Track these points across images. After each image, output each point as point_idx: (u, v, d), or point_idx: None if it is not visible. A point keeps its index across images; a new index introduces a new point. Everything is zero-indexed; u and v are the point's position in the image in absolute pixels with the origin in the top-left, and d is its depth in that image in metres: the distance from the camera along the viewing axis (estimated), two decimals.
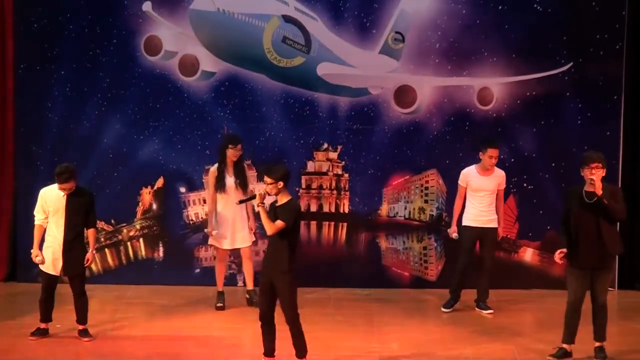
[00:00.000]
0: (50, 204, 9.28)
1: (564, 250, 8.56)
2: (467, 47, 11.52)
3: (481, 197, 10.36)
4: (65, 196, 9.26)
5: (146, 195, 11.80)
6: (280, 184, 8.17)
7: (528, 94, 11.54)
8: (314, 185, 11.80)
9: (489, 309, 10.49)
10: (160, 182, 11.75)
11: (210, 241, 10.72)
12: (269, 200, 8.45)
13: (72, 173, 9.25)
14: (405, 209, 11.82)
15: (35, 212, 9.38)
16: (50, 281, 9.35)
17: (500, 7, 11.46)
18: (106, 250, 11.81)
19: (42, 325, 9.46)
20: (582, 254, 8.46)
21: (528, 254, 11.68)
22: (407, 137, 11.65)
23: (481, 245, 10.50)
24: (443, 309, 10.56)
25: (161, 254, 11.82)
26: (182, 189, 11.75)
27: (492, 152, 10.26)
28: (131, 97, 11.62)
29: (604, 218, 8.40)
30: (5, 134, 11.75)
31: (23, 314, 10.16)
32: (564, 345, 8.75)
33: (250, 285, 10.71)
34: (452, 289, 10.60)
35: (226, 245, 10.59)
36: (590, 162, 8.40)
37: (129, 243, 11.82)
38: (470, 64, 11.54)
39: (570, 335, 8.72)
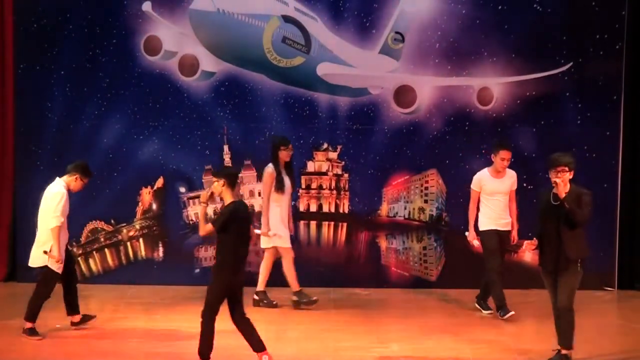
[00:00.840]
0: (67, 205, 9.34)
1: (535, 242, 8.41)
2: (467, 47, 11.53)
3: (497, 200, 10.16)
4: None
5: (146, 195, 11.80)
6: (222, 182, 8.02)
7: (528, 94, 11.55)
8: (314, 185, 11.81)
9: (490, 309, 10.42)
10: (160, 182, 11.75)
11: (267, 243, 10.55)
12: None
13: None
14: (405, 209, 11.83)
15: (61, 214, 9.26)
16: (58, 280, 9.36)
17: (500, 7, 11.47)
18: (106, 250, 11.82)
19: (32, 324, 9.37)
20: (545, 256, 8.34)
21: (528, 254, 11.66)
22: (406, 137, 11.66)
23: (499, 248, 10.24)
24: (502, 317, 10.12)
25: (161, 254, 11.83)
26: (182, 189, 11.75)
27: (504, 154, 10.06)
28: (131, 97, 11.63)
29: (566, 221, 8.20)
30: (5, 134, 11.75)
31: (23, 313, 10.15)
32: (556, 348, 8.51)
33: (296, 287, 10.62)
34: (495, 296, 10.19)
35: (285, 244, 10.54)
36: (557, 164, 8.17)
37: (128, 243, 11.83)
38: (470, 63, 11.55)
39: (569, 341, 8.42)
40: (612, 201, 11.56)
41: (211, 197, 8.29)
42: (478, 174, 10.22)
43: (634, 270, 11.76)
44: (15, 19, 11.58)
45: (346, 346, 9.17)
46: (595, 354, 9.02)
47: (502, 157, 10.05)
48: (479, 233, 10.25)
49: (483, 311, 10.45)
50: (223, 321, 10.14)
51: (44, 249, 9.23)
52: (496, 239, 10.12)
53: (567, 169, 8.17)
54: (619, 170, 11.55)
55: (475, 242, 10.33)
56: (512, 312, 10.07)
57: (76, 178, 9.46)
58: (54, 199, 9.27)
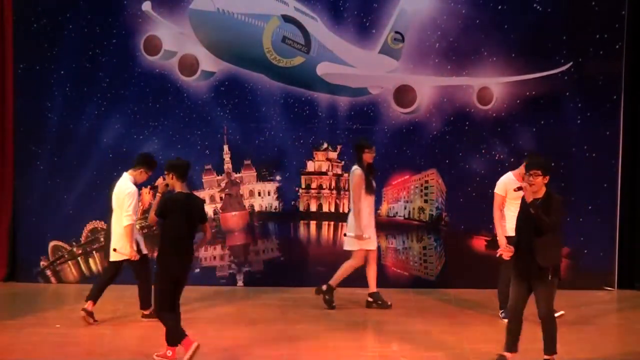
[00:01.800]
0: (138, 201, 9.71)
1: (511, 250, 8.26)
2: (467, 46, 11.53)
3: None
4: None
5: (146, 195, 11.67)
6: (171, 175, 8.38)
7: (528, 93, 11.55)
8: (314, 185, 11.81)
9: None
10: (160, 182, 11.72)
11: (354, 245, 10.48)
12: None
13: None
14: (405, 208, 11.83)
15: (133, 213, 9.61)
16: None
17: (500, 7, 11.47)
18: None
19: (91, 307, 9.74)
20: (517, 262, 8.16)
21: None
22: (406, 136, 11.66)
23: None
24: (502, 317, 9.88)
25: None
26: None
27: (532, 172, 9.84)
28: (131, 97, 11.63)
29: (535, 228, 8.04)
30: (5, 134, 11.75)
31: (23, 313, 10.16)
32: (505, 353, 8.46)
33: (373, 288, 10.61)
34: (501, 295, 9.87)
35: (374, 245, 10.53)
36: (529, 168, 8.02)
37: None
38: (469, 63, 11.55)
39: (511, 344, 8.42)
40: (612, 201, 11.56)
41: (166, 187, 8.58)
42: (503, 177, 9.88)
43: (634, 270, 11.76)
44: (15, 19, 11.59)
45: (346, 346, 9.17)
46: (595, 354, 9.03)
47: (529, 172, 9.75)
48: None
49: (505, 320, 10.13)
50: (223, 321, 10.17)
51: (115, 247, 9.65)
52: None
53: (540, 172, 7.98)
54: (619, 170, 11.55)
55: (505, 254, 9.73)
56: None
57: (141, 171, 9.77)
58: (126, 199, 9.56)
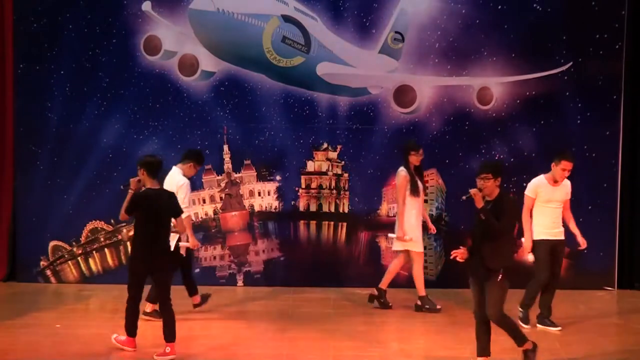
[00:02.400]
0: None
1: (463, 250, 8.16)
2: (467, 46, 11.53)
3: (553, 208, 9.69)
4: None
5: None
6: (142, 172, 8.60)
7: (528, 93, 11.55)
8: (314, 185, 11.80)
9: (556, 325, 9.77)
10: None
11: (400, 246, 10.49)
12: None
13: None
14: None
15: (189, 205, 9.80)
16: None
17: (499, 7, 11.46)
18: (106, 250, 11.81)
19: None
20: (472, 262, 8.13)
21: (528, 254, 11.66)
22: (406, 136, 11.62)
23: (551, 259, 9.73)
24: (520, 318, 9.76)
25: None
26: None
27: (566, 165, 9.58)
28: (131, 97, 11.62)
29: (484, 231, 8.01)
30: (5, 134, 11.75)
31: (23, 313, 10.16)
32: (478, 359, 8.46)
33: (422, 292, 10.57)
34: (528, 296, 9.86)
35: (419, 247, 10.50)
36: (480, 172, 7.99)
37: (128, 243, 11.78)
38: (469, 63, 11.55)
39: (482, 349, 8.41)
40: (612, 201, 11.56)
41: (139, 183, 8.70)
42: (535, 180, 9.76)
43: (634, 270, 11.76)
44: (15, 19, 11.58)
45: (346, 346, 9.17)
46: (595, 353, 9.03)
47: (563, 167, 9.59)
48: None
49: (550, 328, 9.75)
50: (222, 321, 10.17)
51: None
52: (548, 250, 9.64)
53: (490, 176, 7.96)
54: (619, 170, 11.55)
55: (530, 257, 9.81)
56: (528, 327, 9.67)
57: (190, 165, 9.94)
58: (180, 192, 9.62)
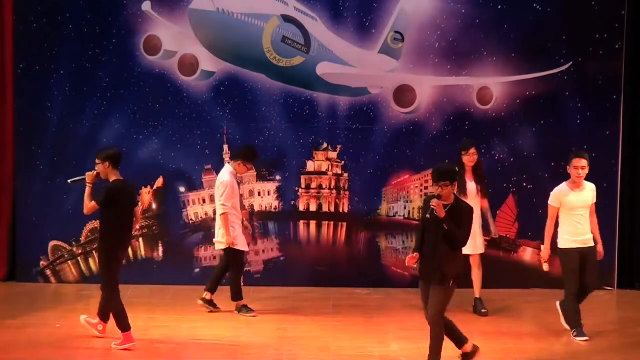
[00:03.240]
0: (235, 190, 10.08)
1: (416, 256, 8.13)
2: (467, 46, 11.53)
3: (578, 215, 9.34)
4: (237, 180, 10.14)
5: (146, 195, 11.80)
6: (107, 164, 8.75)
7: (527, 93, 11.55)
8: (314, 185, 11.80)
9: (586, 335, 9.38)
10: (159, 182, 11.75)
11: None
12: None
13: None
14: (405, 208, 11.83)
15: (225, 202, 10.00)
16: (244, 258, 10.46)
17: (499, 7, 11.46)
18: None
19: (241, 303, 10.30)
20: (421, 264, 8.10)
21: (528, 254, 11.68)
22: (406, 136, 11.66)
23: (582, 268, 9.34)
24: (578, 339, 9.37)
25: (161, 253, 11.83)
26: (182, 189, 11.75)
27: (577, 162, 9.32)
28: (131, 97, 11.62)
29: (444, 239, 7.93)
30: (5, 134, 11.75)
31: (23, 313, 10.16)
32: (461, 350, 8.37)
33: (477, 294, 10.50)
34: (568, 317, 9.50)
35: (469, 250, 10.18)
36: (440, 178, 7.93)
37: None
38: (469, 63, 11.55)
39: (459, 340, 8.32)
40: (612, 201, 11.55)
41: (97, 177, 8.85)
42: (556, 189, 9.46)
43: (634, 270, 11.76)
44: (15, 19, 11.58)
45: (346, 346, 9.17)
46: (595, 353, 9.03)
47: (575, 165, 9.33)
48: (556, 251, 9.51)
49: (578, 339, 9.39)
50: (222, 321, 10.17)
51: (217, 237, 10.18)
52: (577, 259, 9.30)
53: (448, 182, 7.93)
54: (619, 170, 11.56)
55: (545, 266, 9.62)
56: (585, 339, 9.33)
57: (239, 163, 10.12)
58: (219, 189, 10.01)
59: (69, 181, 9.21)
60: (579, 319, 9.34)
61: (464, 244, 8.03)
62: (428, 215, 7.98)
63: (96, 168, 8.84)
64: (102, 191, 8.77)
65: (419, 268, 8.18)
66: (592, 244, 9.37)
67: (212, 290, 10.38)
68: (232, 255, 10.20)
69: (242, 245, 10.24)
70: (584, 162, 9.32)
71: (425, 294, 8.14)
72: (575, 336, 9.31)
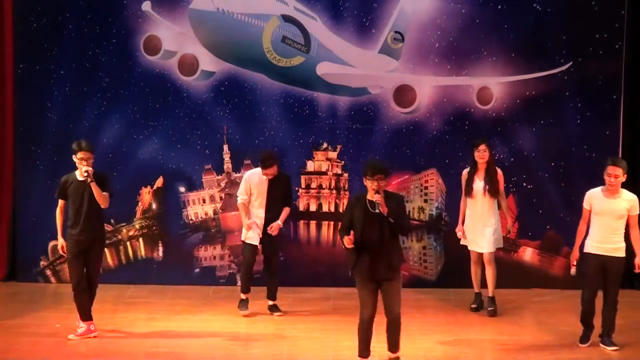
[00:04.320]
0: (255, 186, 10.24)
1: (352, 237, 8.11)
2: (467, 46, 11.52)
3: (605, 221, 9.09)
4: (267, 180, 10.18)
5: (146, 195, 11.80)
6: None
7: (527, 93, 11.55)
8: (314, 185, 11.81)
9: (614, 345, 9.28)
10: (159, 182, 11.75)
11: (462, 241, 10.55)
12: None
13: (274, 161, 10.18)
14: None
15: (238, 193, 10.36)
16: (252, 252, 10.33)
17: (499, 7, 11.46)
18: (106, 250, 11.78)
19: (244, 296, 10.38)
20: (369, 265, 8.10)
21: (528, 254, 11.68)
22: (406, 136, 11.65)
23: (605, 276, 9.18)
24: (580, 344, 9.32)
25: (161, 253, 11.83)
26: (182, 189, 11.76)
27: (612, 170, 9.02)
28: (131, 97, 11.62)
29: (390, 231, 8.03)
30: (5, 134, 11.75)
31: (23, 313, 10.17)
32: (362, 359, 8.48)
33: (490, 292, 10.49)
34: (585, 325, 9.36)
35: (472, 246, 10.45)
36: (376, 172, 7.98)
37: (128, 243, 11.83)
38: (469, 63, 11.54)
39: (365, 350, 8.43)
40: None
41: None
42: (590, 190, 9.26)
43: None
44: (15, 19, 11.58)
45: (346, 346, 9.17)
46: (594, 353, 9.04)
47: (608, 173, 9.03)
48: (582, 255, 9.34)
49: (607, 347, 9.26)
50: (222, 321, 10.18)
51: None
52: (595, 265, 9.11)
53: (384, 176, 8.00)
54: None
55: (572, 270, 9.50)
56: (587, 344, 9.29)
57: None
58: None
59: (89, 181, 9.27)
60: (589, 322, 9.25)
61: (408, 234, 8.22)
62: (377, 210, 7.98)
63: (89, 163, 9.18)
64: (104, 179, 9.26)
65: (368, 270, 8.16)
66: (619, 255, 9.11)
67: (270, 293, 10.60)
68: (242, 248, 10.47)
69: (250, 239, 10.38)
70: (618, 171, 9.00)
71: (371, 291, 8.21)
72: (603, 344, 9.22)
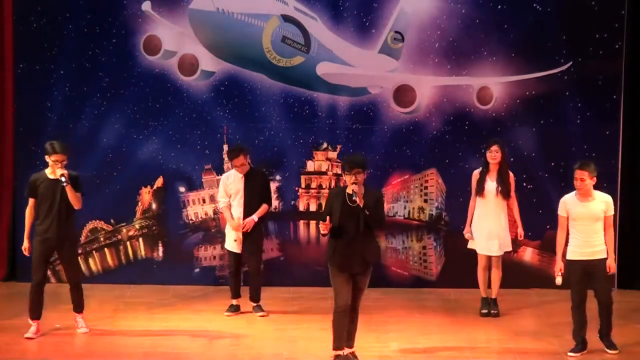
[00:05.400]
0: (231, 186, 10.24)
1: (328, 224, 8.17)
2: (467, 46, 11.53)
3: (582, 226, 8.95)
4: (242, 177, 10.15)
5: (145, 195, 11.80)
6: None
7: (527, 93, 11.55)
8: (314, 185, 11.80)
9: (614, 345, 9.13)
10: (159, 182, 11.75)
11: (470, 245, 10.52)
12: None
13: (240, 150, 10.17)
14: (405, 208, 11.83)
15: (219, 197, 10.45)
16: (237, 260, 10.33)
17: (499, 7, 11.46)
18: (106, 250, 11.82)
19: (235, 302, 10.39)
20: (344, 256, 8.19)
21: (528, 254, 11.68)
22: (406, 136, 11.66)
23: (591, 280, 9.01)
24: (569, 354, 9.07)
25: (160, 253, 11.83)
26: (182, 189, 11.75)
27: (577, 174, 8.92)
28: (130, 97, 11.62)
29: (366, 225, 8.11)
30: (5, 134, 11.75)
31: (22, 313, 10.15)
32: (338, 352, 8.43)
33: (494, 294, 10.49)
34: (573, 334, 9.15)
35: (482, 250, 10.41)
36: (352, 166, 8.09)
37: (128, 243, 11.83)
38: (469, 63, 11.55)
39: (340, 340, 8.42)
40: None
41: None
42: (564, 197, 9.16)
43: (634, 270, 11.75)
44: (15, 19, 11.58)
45: None
46: (594, 353, 9.03)
47: (575, 176, 8.94)
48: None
49: (608, 350, 9.12)
50: (222, 321, 10.17)
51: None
52: (580, 271, 8.96)
53: (361, 170, 8.10)
54: (618, 170, 11.55)
55: (558, 280, 9.15)
56: (577, 354, 9.04)
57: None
58: None
59: (65, 183, 9.27)
60: (580, 334, 9.08)
61: (384, 223, 8.43)
62: (355, 204, 8.06)
63: (63, 165, 9.25)
64: (76, 180, 9.30)
65: (342, 262, 8.24)
66: (602, 257, 9.00)
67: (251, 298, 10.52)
68: (228, 257, 10.57)
69: (233, 247, 10.37)
70: (583, 174, 8.88)
71: (346, 283, 8.26)
72: (569, 351, 9.07)
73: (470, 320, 10.32)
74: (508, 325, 10.06)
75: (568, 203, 9.08)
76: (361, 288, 8.37)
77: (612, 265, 9.06)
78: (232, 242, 10.30)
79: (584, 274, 8.98)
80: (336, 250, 8.26)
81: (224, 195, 10.35)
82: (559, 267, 9.13)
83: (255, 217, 10.23)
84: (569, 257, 9.09)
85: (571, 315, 9.11)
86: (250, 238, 10.28)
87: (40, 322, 9.42)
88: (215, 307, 10.59)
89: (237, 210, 10.30)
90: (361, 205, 8.06)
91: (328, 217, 8.18)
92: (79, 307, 9.53)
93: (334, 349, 8.44)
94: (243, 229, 10.20)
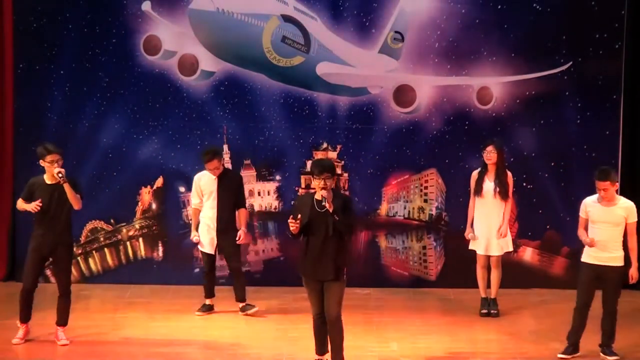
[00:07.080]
0: (204, 187, 10.26)
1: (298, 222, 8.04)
2: (467, 46, 11.53)
3: (601, 230, 8.85)
4: (216, 179, 10.14)
5: (145, 195, 11.81)
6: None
7: (527, 93, 11.55)
8: (314, 185, 11.77)
9: (615, 354, 9.06)
10: (159, 182, 11.76)
11: (471, 245, 10.50)
12: None
13: (214, 153, 10.15)
14: (405, 208, 11.83)
15: (191, 198, 10.49)
16: (210, 261, 10.38)
17: (499, 7, 11.46)
18: (106, 249, 11.82)
19: (208, 301, 10.45)
20: (313, 264, 8.09)
21: (528, 254, 11.68)
22: (406, 136, 11.66)
23: (601, 286, 9.01)
24: (559, 355, 9.05)
25: (160, 253, 11.83)
26: (182, 189, 11.75)
27: (599, 185, 8.80)
28: (130, 97, 11.63)
29: (335, 231, 8.00)
30: (5, 134, 11.75)
31: None
32: (320, 357, 8.48)
33: (493, 294, 10.49)
34: (568, 336, 9.11)
35: (481, 250, 10.42)
36: (323, 171, 8.01)
37: (128, 243, 11.83)
38: (469, 63, 11.55)
39: (322, 346, 8.43)
40: None
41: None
42: (586, 199, 9.04)
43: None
44: (15, 19, 11.58)
45: (346, 346, 9.14)
46: (594, 353, 9.04)
47: (597, 187, 8.83)
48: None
49: (608, 357, 9.04)
50: (222, 321, 10.18)
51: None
52: (590, 275, 8.90)
53: (330, 175, 8.02)
54: (619, 170, 11.53)
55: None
56: (568, 357, 9.02)
57: None
58: None
59: (63, 181, 9.22)
60: (575, 337, 9.03)
61: (356, 229, 8.24)
62: (324, 209, 7.95)
63: (60, 164, 9.04)
64: (74, 182, 9.13)
65: (312, 270, 8.13)
66: (615, 264, 8.92)
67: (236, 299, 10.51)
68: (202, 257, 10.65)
69: (205, 247, 10.44)
70: (605, 185, 8.75)
71: (317, 291, 8.18)
72: (559, 352, 9.04)
73: (470, 320, 10.32)
74: (508, 325, 10.07)
75: (589, 205, 8.97)
76: (333, 295, 8.16)
77: (634, 275, 8.99)
78: (206, 243, 10.33)
79: (594, 277, 8.91)
80: (307, 257, 8.12)
81: (196, 196, 10.37)
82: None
83: (243, 229, 10.30)
84: (583, 259, 9.00)
85: (572, 315, 9.10)
86: (227, 240, 10.27)
87: (29, 325, 9.37)
88: (215, 307, 10.58)
89: (210, 212, 10.29)
90: (330, 211, 7.93)
91: (300, 215, 7.99)
92: (62, 320, 9.32)
93: (316, 354, 8.44)
94: (239, 241, 10.26)
